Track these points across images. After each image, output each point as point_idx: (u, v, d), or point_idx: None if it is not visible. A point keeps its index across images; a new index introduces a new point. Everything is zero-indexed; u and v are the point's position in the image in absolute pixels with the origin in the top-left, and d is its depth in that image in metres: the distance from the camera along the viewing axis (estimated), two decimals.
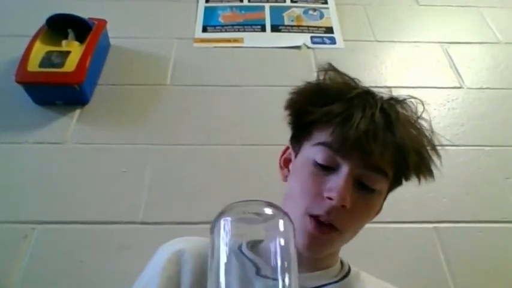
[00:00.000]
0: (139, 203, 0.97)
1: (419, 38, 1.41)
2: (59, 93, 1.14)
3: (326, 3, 1.53)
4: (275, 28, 1.43)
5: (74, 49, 1.17)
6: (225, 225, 0.45)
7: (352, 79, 0.60)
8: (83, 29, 1.21)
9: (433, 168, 0.57)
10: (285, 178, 0.63)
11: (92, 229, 0.93)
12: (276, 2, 1.53)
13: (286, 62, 1.31)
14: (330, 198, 0.51)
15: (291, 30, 1.43)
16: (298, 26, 1.45)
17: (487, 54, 1.37)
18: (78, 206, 0.97)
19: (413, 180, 0.57)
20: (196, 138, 1.10)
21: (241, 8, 1.50)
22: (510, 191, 1.03)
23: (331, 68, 0.60)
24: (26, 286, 0.86)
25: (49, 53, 1.16)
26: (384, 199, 0.61)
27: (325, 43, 1.38)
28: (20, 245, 0.90)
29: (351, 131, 0.51)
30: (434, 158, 0.57)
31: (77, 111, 1.15)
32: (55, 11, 1.22)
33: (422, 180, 0.58)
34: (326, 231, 0.52)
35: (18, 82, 1.11)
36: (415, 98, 0.61)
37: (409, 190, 1.02)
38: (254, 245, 0.60)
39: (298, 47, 1.36)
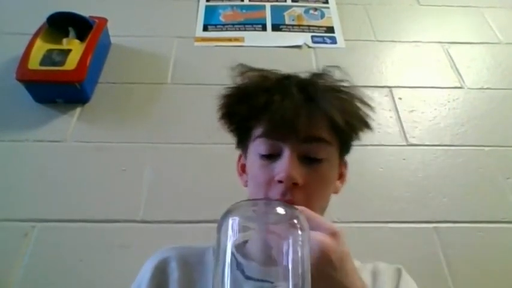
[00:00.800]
0: (140, 201, 0.97)
1: (419, 37, 1.41)
2: (59, 91, 1.14)
3: (327, 2, 1.53)
4: (276, 27, 1.43)
5: (75, 47, 1.17)
6: (233, 225, 0.45)
7: (269, 70, 0.62)
8: (83, 27, 1.21)
9: (367, 119, 0.61)
10: (245, 183, 0.65)
11: (92, 227, 0.93)
12: (277, 1, 1.53)
13: (287, 61, 1.31)
14: (280, 181, 0.53)
15: (291, 30, 1.43)
16: (299, 25, 1.44)
17: (488, 54, 1.37)
18: (78, 205, 0.97)
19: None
20: (196, 137, 1.10)
21: (242, 7, 1.50)
22: (510, 191, 1.03)
23: (245, 68, 0.62)
24: (26, 284, 0.86)
25: (50, 51, 1.16)
26: (343, 165, 0.67)
27: (325, 42, 1.38)
28: (20, 243, 0.90)
29: (277, 115, 0.54)
30: (366, 110, 0.61)
31: (78, 110, 1.15)
32: (56, 9, 1.22)
33: (362, 133, 0.62)
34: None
35: (19, 80, 1.11)
36: (332, 66, 0.63)
37: (409, 190, 1.02)
38: (239, 247, 0.61)
39: (299, 47, 1.36)
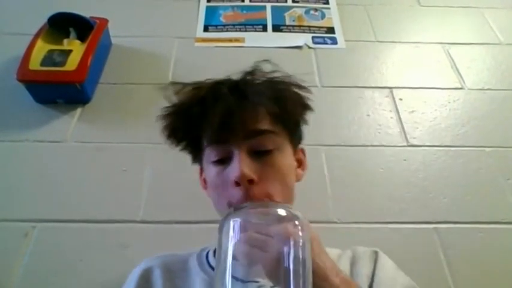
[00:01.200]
0: (140, 201, 0.97)
1: (420, 38, 1.41)
2: (60, 91, 1.15)
3: (327, 3, 1.53)
4: (276, 28, 1.43)
5: (76, 48, 1.17)
6: (235, 226, 0.45)
7: (202, 81, 0.63)
8: (84, 27, 1.21)
9: (305, 101, 0.63)
10: (210, 195, 0.66)
11: (92, 228, 0.93)
12: (278, 2, 1.53)
13: (288, 62, 1.30)
14: (237, 182, 0.54)
15: (292, 30, 1.43)
16: (300, 26, 1.45)
17: (488, 55, 1.37)
18: (78, 205, 0.97)
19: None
20: None
21: (242, 8, 1.50)
22: (510, 192, 1.03)
23: (178, 85, 0.63)
24: (26, 284, 0.86)
25: (51, 51, 1.16)
26: (300, 152, 0.68)
27: (326, 43, 1.38)
28: (20, 243, 0.90)
29: (215, 119, 0.56)
30: (302, 93, 0.62)
31: (78, 110, 1.15)
32: (57, 9, 1.23)
33: (303, 116, 0.65)
34: None
35: (20, 80, 1.11)
36: (263, 60, 0.66)
37: (410, 191, 1.02)
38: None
39: (299, 47, 1.36)
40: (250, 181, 0.54)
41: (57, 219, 0.94)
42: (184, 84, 0.62)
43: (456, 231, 0.96)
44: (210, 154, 0.61)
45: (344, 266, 0.64)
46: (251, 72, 0.63)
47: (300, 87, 0.63)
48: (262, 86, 0.61)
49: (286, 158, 0.60)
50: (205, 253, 0.69)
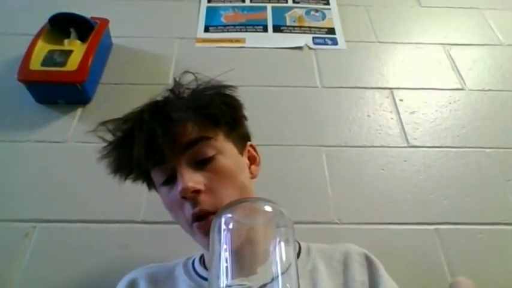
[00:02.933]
0: (140, 202, 0.97)
1: (421, 39, 1.41)
2: (61, 92, 1.15)
3: (328, 4, 1.53)
4: (277, 29, 1.43)
5: (76, 48, 1.17)
6: (226, 223, 0.45)
7: (128, 113, 0.64)
8: (85, 28, 1.21)
9: (233, 100, 0.64)
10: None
11: (92, 228, 0.93)
12: (278, 2, 1.53)
13: (288, 62, 1.31)
14: (184, 197, 0.55)
15: (292, 31, 1.43)
16: (300, 26, 1.45)
17: (489, 56, 1.37)
18: (79, 205, 0.97)
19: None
20: None
21: (243, 8, 1.50)
22: (511, 193, 1.03)
23: (107, 124, 0.64)
24: (26, 284, 0.86)
25: (51, 52, 1.16)
26: (250, 149, 0.69)
27: (327, 44, 1.38)
28: (20, 243, 0.90)
29: (140, 147, 0.57)
30: (228, 92, 0.63)
31: (79, 110, 1.16)
32: (57, 10, 1.23)
33: (234, 115, 0.64)
34: (209, 218, 0.54)
35: (21, 81, 1.11)
36: (183, 72, 0.66)
37: (410, 191, 1.02)
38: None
39: (300, 48, 1.36)
40: (197, 191, 0.55)
41: (58, 219, 0.94)
42: (115, 120, 0.64)
43: (456, 232, 0.96)
44: (156, 177, 0.62)
45: (336, 268, 0.64)
46: (173, 89, 0.64)
47: (224, 87, 0.64)
48: (184, 100, 0.62)
49: (231, 159, 0.60)
50: (191, 261, 0.70)
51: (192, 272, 0.66)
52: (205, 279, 0.64)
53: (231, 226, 0.44)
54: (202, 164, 0.58)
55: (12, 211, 0.95)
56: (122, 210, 0.96)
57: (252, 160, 0.69)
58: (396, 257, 0.91)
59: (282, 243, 0.42)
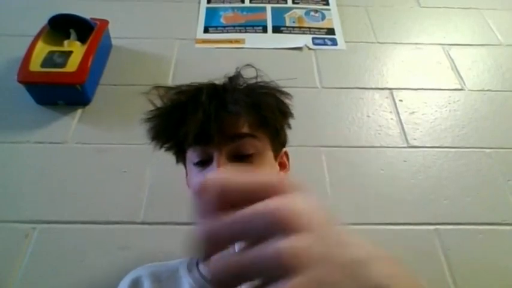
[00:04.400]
0: (140, 203, 0.97)
1: (420, 39, 1.41)
2: (60, 93, 1.15)
3: (328, 4, 1.54)
4: (276, 29, 1.43)
5: (76, 49, 1.17)
6: None
7: (185, 85, 0.64)
8: (85, 29, 1.21)
9: (284, 108, 0.65)
10: None
11: (92, 229, 0.93)
12: (278, 3, 1.53)
13: (288, 63, 1.31)
14: None
15: (292, 32, 1.43)
16: (300, 27, 1.45)
17: (489, 56, 1.37)
18: (78, 206, 0.97)
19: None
20: None
21: (242, 9, 1.50)
22: (511, 193, 1.03)
23: (162, 89, 0.64)
24: (26, 285, 0.86)
25: (51, 53, 1.16)
26: (283, 156, 0.70)
27: (326, 44, 1.38)
28: (20, 245, 0.90)
29: (193, 126, 0.58)
30: (282, 99, 0.64)
31: (79, 111, 1.16)
32: (57, 11, 1.23)
33: (285, 122, 0.66)
34: None
35: (20, 82, 1.11)
36: (246, 65, 0.68)
37: (410, 192, 1.02)
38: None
39: (299, 48, 1.36)
40: None
41: (58, 220, 0.94)
42: (167, 88, 0.64)
43: (456, 232, 0.96)
44: (191, 155, 0.62)
45: None
46: (233, 78, 0.65)
47: (281, 93, 0.65)
48: (241, 93, 0.63)
49: (265, 161, 0.62)
50: (195, 261, 0.70)
51: (197, 275, 0.66)
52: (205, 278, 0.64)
53: None
54: (239, 159, 0.59)
55: (13, 212, 0.95)
56: (122, 211, 0.96)
57: (282, 166, 0.70)
58: (396, 258, 0.91)
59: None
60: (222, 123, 0.58)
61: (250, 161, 0.59)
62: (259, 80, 0.66)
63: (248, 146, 0.59)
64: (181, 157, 0.69)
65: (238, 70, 0.67)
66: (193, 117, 0.58)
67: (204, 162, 0.60)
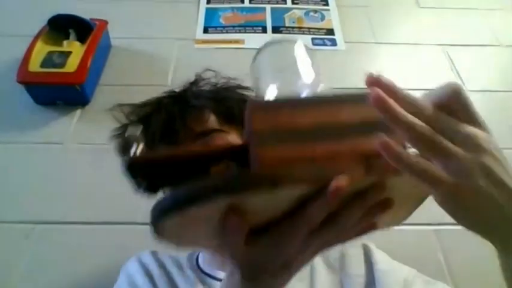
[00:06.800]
0: (140, 203, 0.97)
1: (420, 40, 1.41)
2: (60, 93, 1.15)
3: (327, 5, 1.54)
4: (276, 30, 1.44)
5: (75, 49, 1.17)
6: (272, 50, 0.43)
7: (145, 101, 0.66)
8: (84, 29, 1.21)
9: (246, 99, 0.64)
10: None
11: (92, 229, 0.93)
12: (277, 3, 1.53)
13: None
14: None
15: (292, 32, 1.43)
16: (299, 27, 1.45)
17: (488, 57, 1.37)
18: (78, 206, 0.97)
19: None
20: None
21: (242, 10, 1.51)
22: None
23: (123, 106, 0.67)
24: (25, 286, 0.86)
25: (50, 53, 1.16)
26: None
27: (326, 45, 1.38)
28: (20, 245, 0.90)
29: (158, 124, 0.59)
30: (243, 92, 0.65)
31: (78, 112, 1.15)
32: (57, 11, 1.23)
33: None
34: None
35: (20, 82, 1.11)
36: (205, 70, 0.71)
37: None
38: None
39: None
40: None
41: (57, 220, 0.94)
42: (132, 105, 0.65)
43: (456, 233, 0.96)
44: None
45: (334, 266, 0.63)
46: (193, 82, 0.67)
47: (243, 87, 0.66)
48: (204, 91, 0.64)
49: None
50: (195, 255, 0.69)
51: (196, 268, 0.66)
52: (210, 275, 0.63)
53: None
54: None
55: (12, 212, 0.95)
56: (122, 211, 0.96)
57: None
58: (395, 258, 0.91)
59: None
60: (187, 119, 0.58)
61: None
62: (219, 80, 0.68)
63: (218, 141, 0.59)
64: None
65: (198, 74, 0.69)
66: (157, 118, 0.59)
67: None
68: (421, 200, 0.39)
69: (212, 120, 0.60)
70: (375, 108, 0.29)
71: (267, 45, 0.40)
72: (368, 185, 0.31)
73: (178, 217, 0.29)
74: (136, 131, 0.38)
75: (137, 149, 0.35)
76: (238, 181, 0.28)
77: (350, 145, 0.30)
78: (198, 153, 0.37)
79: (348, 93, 0.34)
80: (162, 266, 0.66)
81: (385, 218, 0.36)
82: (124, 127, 0.65)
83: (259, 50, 0.40)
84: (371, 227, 0.36)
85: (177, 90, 0.66)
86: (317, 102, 0.35)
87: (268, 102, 0.35)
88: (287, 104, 0.33)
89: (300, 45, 0.40)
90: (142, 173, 0.35)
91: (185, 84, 0.67)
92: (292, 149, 0.30)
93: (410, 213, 0.43)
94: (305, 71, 0.38)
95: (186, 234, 0.34)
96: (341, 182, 0.27)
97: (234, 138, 0.61)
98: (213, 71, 0.69)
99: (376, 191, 0.31)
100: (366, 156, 0.29)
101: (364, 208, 0.32)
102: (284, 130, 0.30)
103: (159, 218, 0.30)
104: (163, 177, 0.35)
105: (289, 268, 0.35)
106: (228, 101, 0.62)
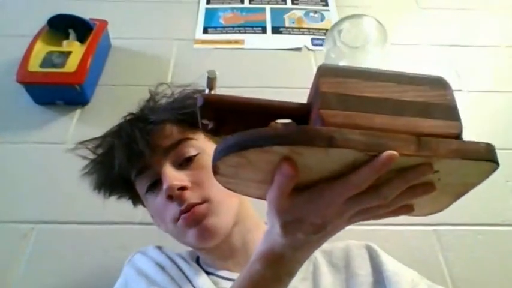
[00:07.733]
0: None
1: (419, 40, 1.41)
2: (59, 93, 1.15)
3: (327, 5, 1.54)
4: (276, 30, 1.43)
5: (75, 49, 1.17)
6: None
7: (107, 132, 0.67)
8: (84, 29, 1.21)
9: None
10: (164, 227, 0.67)
11: (91, 229, 0.93)
12: (277, 3, 1.53)
13: (287, 63, 1.31)
14: (170, 196, 0.55)
15: (291, 32, 1.43)
16: (299, 28, 1.45)
17: (488, 57, 1.37)
18: (77, 206, 0.96)
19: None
20: None
21: (242, 10, 1.51)
22: (510, 194, 1.03)
23: (88, 142, 0.67)
24: (24, 286, 0.86)
25: (50, 53, 1.16)
26: None
27: None
28: (19, 245, 0.90)
29: (122, 149, 0.58)
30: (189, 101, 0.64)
31: (77, 111, 1.15)
32: (56, 11, 1.23)
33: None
34: (195, 209, 0.56)
35: (19, 82, 1.11)
36: (159, 84, 0.69)
37: None
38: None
39: (298, 49, 1.36)
40: (183, 188, 0.55)
41: (56, 220, 0.94)
42: (93, 139, 0.66)
43: (455, 233, 0.96)
44: (141, 187, 0.62)
45: (338, 266, 0.63)
46: (148, 100, 0.66)
47: (199, 91, 0.65)
48: (161, 105, 0.64)
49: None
50: (196, 255, 0.69)
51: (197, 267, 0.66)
52: (213, 274, 0.63)
53: None
54: (185, 164, 0.59)
55: (11, 212, 0.95)
56: (120, 211, 0.95)
57: None
58: (395, 258, 0.91)
59: None
60: (150, 138, 0.58)
61: (197, 162, 0.59)
62: (173, 89, 0.68)
63: (188, 149, 0.59)
64: (136, 198, 0.69)
65: (152, 89, 0.68)
66: (120, 144, 0.59)
67: (154, 184, 0.59)
68: (460, 195, 0.40)
69: (176, 131, 0.60)
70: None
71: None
72: (416, 164, 0.33)
73: (237, 157, 0.32)
74: (215, 72, 0.44)
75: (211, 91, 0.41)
76: (299, 134, 0.30)
77: (407, 122, 0.33)
78: (264, 104, 0.39)
79: (416, 75, 0.39)
80: (170, 258, 0.65)
81: (422, 204, 0.39)
82: (92, 163, 0.65)
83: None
84: (407, 209, 0.37)
85: (134, 112, 0.66)
86: (386, 78, 0.38)
87: (339, 68, 0.37)
88: (356, 74, 0.36)
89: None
90: (212, 111, 0.37)
91: (140, 102, 0.67)
92: (353, 116, 0.32)
93: (446, 206, 0.45)
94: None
95: (240, 177, 0.36)
96: (393, 153, 0.29)
97: (201, 143, 0.61)
98: (166, 83, 0.69)
99: (423, 169, 0.32)
100: (420, 135, 0.32)
101: (408, 184, 0.33)
102: (349, 97, 0.33)
103: (220, 155, 0.32)
104: (229, 119, 0.38)
105: (324, 229, 0.36)
106: (187, 108, 0.61)
